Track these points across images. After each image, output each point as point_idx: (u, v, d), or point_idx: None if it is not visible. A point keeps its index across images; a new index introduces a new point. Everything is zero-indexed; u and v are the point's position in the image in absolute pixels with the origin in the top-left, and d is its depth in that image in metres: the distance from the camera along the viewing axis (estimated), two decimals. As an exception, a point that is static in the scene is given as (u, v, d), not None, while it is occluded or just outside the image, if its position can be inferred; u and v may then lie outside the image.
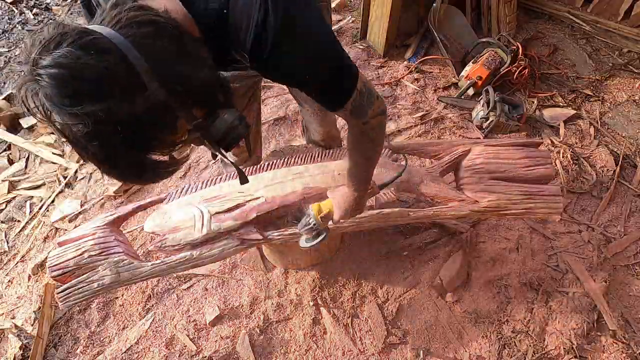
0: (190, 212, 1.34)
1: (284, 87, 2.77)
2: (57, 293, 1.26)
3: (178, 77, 0.66)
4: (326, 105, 0.93)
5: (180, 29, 0.68)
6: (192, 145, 0.83)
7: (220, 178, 1.49)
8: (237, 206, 1.35)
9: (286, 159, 1.52)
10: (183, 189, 1.46)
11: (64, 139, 0.62)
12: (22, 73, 0.59)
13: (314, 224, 1.22)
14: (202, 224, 1.30)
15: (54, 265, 1.27)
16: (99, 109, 0.57)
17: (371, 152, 1.06)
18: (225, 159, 0.87)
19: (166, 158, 0.73)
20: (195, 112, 0.72)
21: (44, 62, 0.56)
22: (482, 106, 2.35)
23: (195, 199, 1.40)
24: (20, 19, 3.65)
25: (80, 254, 1.28)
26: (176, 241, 1.30)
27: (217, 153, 0.82)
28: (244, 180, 0.94)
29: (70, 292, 1.25)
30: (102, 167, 0.65)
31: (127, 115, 0.60)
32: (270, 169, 1.49)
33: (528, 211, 1.37)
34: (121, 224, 1.49)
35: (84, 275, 1.27)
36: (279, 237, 1.34)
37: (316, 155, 1.54)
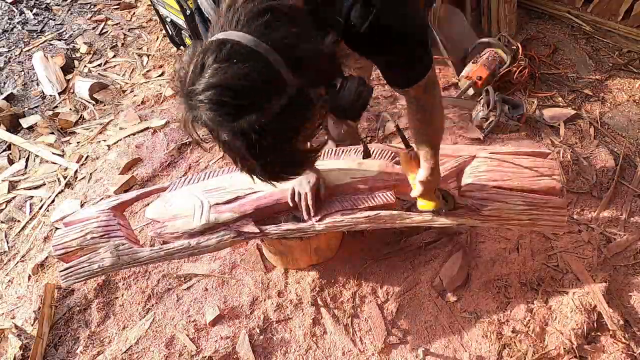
0: (191, 201, 1.37)
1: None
2: (60, 272, 1.31)
3: (305, 59, 0.66)
4: (404, 81, 0.98)
5: (290, 6, 0.69)
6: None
7: (223, 170, 1.51)
8: (236, 199, 1.38)
9: None
10: (186, 179, 1.49)
11: (227, 152, 0.66)
12: (182, 107, 0.64)
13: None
14: (201, 214, 1.33)
15: (57, 245, 1.33)
16: (256, 116, 0.60)
17: (438, 128, 1.14)
18: (354, 128, 0.98)
19: (309, 146, 0.76)
20: (320, 91, 0.72)
21: (198, 88, 0.59)
22: (482, 106, 2.35)
23: (197, 189, 1.43)
24: (20, 19, 3.65)
25: (83, 235, 1.34)
26: (175, 229, 1.33)
27: (346, 124, 0.87)
28: (367, 155, 1.07)
29: (71, 272, 1.31)
30: (261, 172, 0.69)
31: (278, 113, 0.62)
32: None
33: (531, 222, 1.35)
34: (125, 209, 1.54)
35: (86, 256, 1.32)
36: (276, 232, 1.35)
37: (317, 154, 1.54)
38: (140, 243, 1.43)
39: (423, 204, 1.32)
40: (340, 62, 0.75)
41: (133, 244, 1.36)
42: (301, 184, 1.35)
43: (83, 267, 1.31)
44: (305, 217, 1.35)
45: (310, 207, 1.35)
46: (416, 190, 1.27)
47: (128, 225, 1.48)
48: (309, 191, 1.34)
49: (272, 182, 0.74)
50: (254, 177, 0.71)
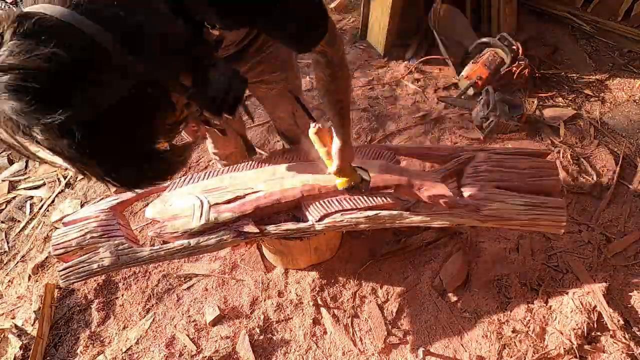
0: (190, 201, 1.37)
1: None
2: (59, 271, 1.30)
3: (148, 38, 0.55)
4: (305, 44, 0.90)
5: None
6: (194, 130, 0.79)
7: (222, 170, 1.51)
8: (236, 198, 1.37)
9: (288, 156, 1.54)
10: (186, 178, 1.49)
11: (59, 158, 0.52)
12: None
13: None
14: (201, 214, 1.33)
15: (57, 244, 1.32)
16: (79, 106, 0.47)
17: (348, 86, 1.10)
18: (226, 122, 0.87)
19: (169, 146, 0.64)
20: (184, 80, 0.64)
21: None
22: (482, 106, 2.35)
23: (197, 189, 1.43)
24: (20, 19, 3.65)
25: (83, 235, 1.33)
26: (175, 229, 1.33)
27: (217, 121, 0.79)
28: (252, 151, 0.99)
29: (71, 271, 1.30)
30: (110, 177, 0.56)
31: (114, 103, 0.50)
32: (272, 165, 1.51)
33: (530, 222, 1.35)
34: (124, 209, 1.54)
35: (85, 256, 1.31)
36: (275, 232, 1.35)
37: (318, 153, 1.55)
38: (140, 243, 1.43)
39: (341, 181, 1.30)
40: (201, 48, 0.67)
41: (133, 243, 1.36)
42: None
43: (82, 266, 1.30)
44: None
45: None
46: (333, 165, 1.26)
47: (128, 225, 1.48)
48: None
49: (132, 189, 0.63)
50: (106, 183, 0.58)
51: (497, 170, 1.48)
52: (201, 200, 1.37)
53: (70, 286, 1.85)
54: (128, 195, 1.50)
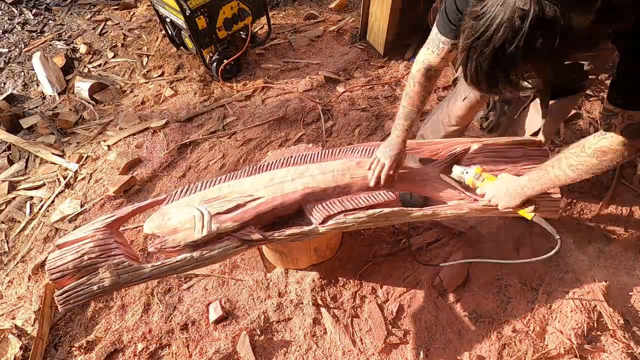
0: (190, 213, 1.33)
1: (284, 87, 2.77)
2: (56, 296, 1.23)
3: None
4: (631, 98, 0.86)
5: None
6: None
7: (220, 179, 1.49)
8: (237, 207, 1.35)
9: (286, 159, 1.53)
10: (182, 190, 1.45)
11: None
12: None
13: (463, 180, 1.40)
14: (202, 225, 1.29)
15: (53, 268, 1.25)
16: None
17: (592, 173, 1.01)
18: None
19: None
20: None
21: None
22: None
23: (195, 200, 1.40)
24: (20, 20, 3.66)
25: (80, 257, 1.27)
26: (176, 242, 1.29)
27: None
28: None
29: (69, 295, 1.23)
30: None
31: None
32: (270, 170, 1.50)
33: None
34: (120, 226, 1.47)
35: (84, 278, 1.25)
36: (279, 237, 1.33)
37: (316, 155, 1.54)
38: (140, 259, 1.37)
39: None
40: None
41: (133, 261, 1.31)
42: (384, 154, 1.41)
43: (82, 289, 1.22)
44: (372, 183, 1.42)
45: (382, 176, 1.41)
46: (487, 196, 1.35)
47: (126, 242, 1.43)
48: (388, 163, 1.40)
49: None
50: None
51: (491, 160, 1.49)
52: (201, 212, 1.33)
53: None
54: (124, 211, 1.44)
